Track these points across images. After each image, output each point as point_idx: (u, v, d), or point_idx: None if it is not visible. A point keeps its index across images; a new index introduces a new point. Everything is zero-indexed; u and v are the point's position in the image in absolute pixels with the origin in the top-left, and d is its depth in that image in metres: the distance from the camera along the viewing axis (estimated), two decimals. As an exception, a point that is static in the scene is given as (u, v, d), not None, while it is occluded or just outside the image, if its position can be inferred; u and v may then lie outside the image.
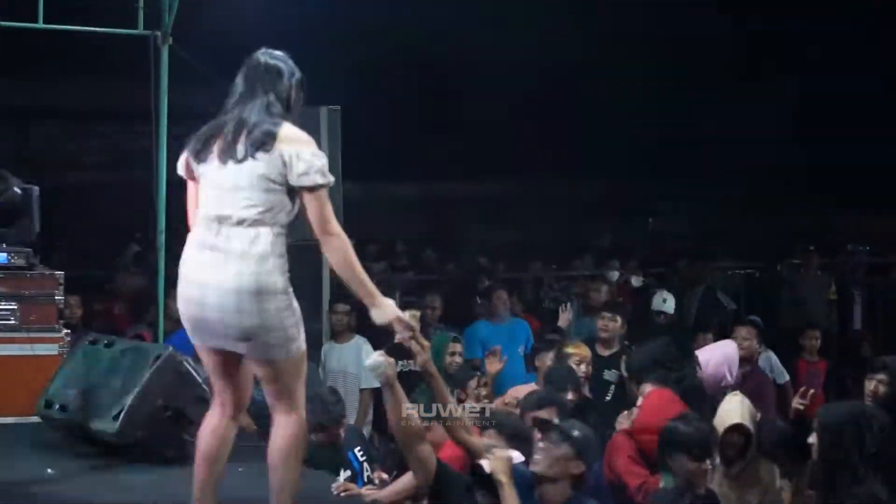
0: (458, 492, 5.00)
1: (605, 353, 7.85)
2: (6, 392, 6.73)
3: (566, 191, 18.62)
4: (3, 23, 8.03)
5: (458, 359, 7.62)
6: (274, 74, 4.36)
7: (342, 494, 5.41)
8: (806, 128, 17.39)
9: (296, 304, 4.30)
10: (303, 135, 4.28)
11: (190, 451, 5.94)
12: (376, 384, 8.19)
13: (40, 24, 8.06)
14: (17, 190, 7.24)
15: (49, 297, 7.02)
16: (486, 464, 4.85)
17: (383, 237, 14.52)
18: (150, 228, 8.45)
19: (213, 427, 4.52)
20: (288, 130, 4.25)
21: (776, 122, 17.48)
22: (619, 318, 8.09)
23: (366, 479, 5.99)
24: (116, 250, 13.19)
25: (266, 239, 4.22)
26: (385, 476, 5.79)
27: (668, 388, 6.09)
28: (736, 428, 5.89)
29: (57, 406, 6.20)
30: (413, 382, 8.08)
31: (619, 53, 16.70)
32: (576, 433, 4.99)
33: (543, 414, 5.61)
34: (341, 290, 9.36)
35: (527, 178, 18.28)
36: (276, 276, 4.23)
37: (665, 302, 9.89)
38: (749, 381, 7.34)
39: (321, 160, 4.24)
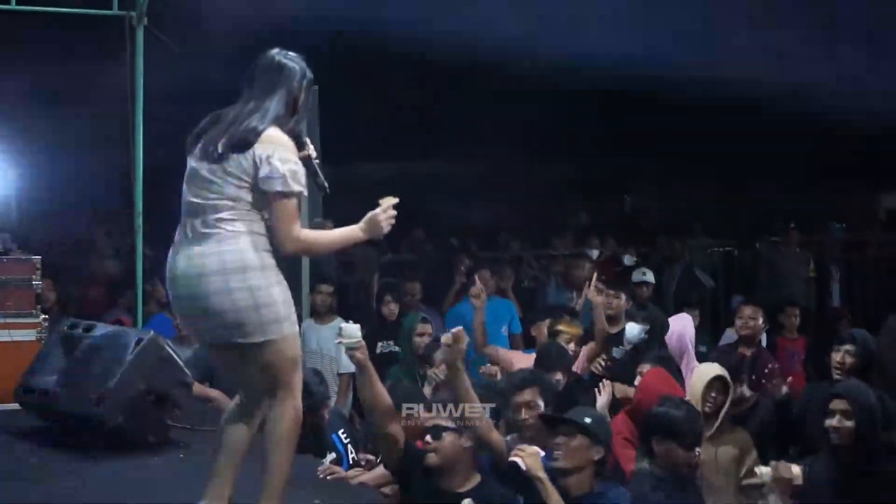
0: (420, 476, 5.02)
1: (612, 330, 7.79)
2: (-16, 379, 6.66)
3: (536, 170, 18.57)
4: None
5: (426, 339, 7.56)
6: (285, 74, 4.31)
7: (328, 478, 5.37)
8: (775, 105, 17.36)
9: (283, 281, 4.25)
10: (283, 139, 4.19)
11: (172, 437, 5.97)
12: (353, 368, 8.20)
13: (13, 6, 7.96)
14: None
15: (26, 282, 6.95)
16: (521, 462, 4.86)
17: (359, 219, 14.39)
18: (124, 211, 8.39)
19: (231, 416, 4.44)
20: (269, 132, 4.19)
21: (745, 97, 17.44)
22: (622, 296, 8.03)
23: (351, 462, 5.96)
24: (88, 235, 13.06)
25: (240, 222, 4.16)
26: (371, 458, 5.75)
27: (664, 367, 6.10)
28: (717, 379, 5.94)
29: (36, 392, 6.13)
30: (392, 364, 8.12)
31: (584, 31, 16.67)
32: (587, 420, 5.02)
33: (527, 395, 5.57)
34: (324, 271, 9.36)
35: (496, 158, 18.21)
36: (259, 252, 4.16)
37: (645, 274, 9.93)
38: (759, 361, 7.33)
39: (288, 167, 4.14)
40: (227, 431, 4.43)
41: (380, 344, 8.58)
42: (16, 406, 6.38)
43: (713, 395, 5.94)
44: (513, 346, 8.73)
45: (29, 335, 6.87)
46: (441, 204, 17.52)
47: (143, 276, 8.21)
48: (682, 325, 7.30)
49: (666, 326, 7.35)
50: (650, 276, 9.84)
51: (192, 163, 4.28)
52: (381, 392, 5.05)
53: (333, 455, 5.95)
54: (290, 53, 4.39)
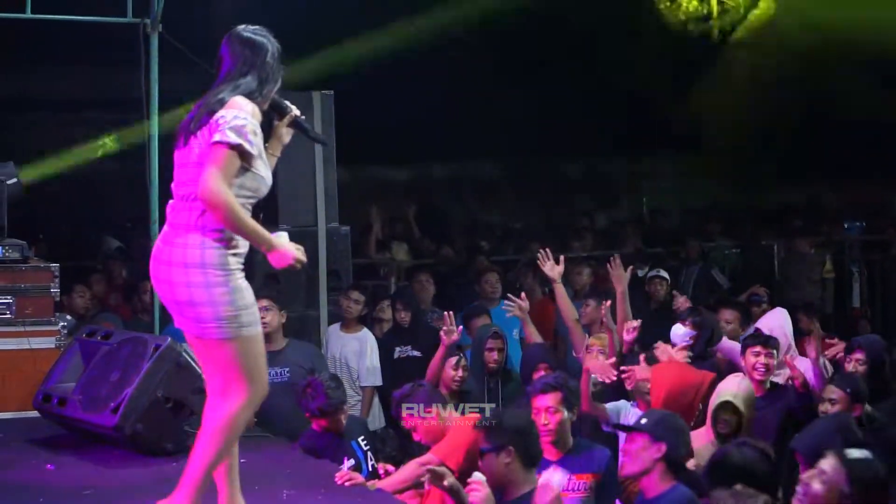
0: None
1: None
2: (3, 387, 6.70)
3: (549, 170, 18.53)
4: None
5: (496, 354, 7.35)
6: (256, 50, 4.36)
7: (346, 484, 5.34)
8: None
9: (238, 284, 4.25)
10: (242, 102, 4.24)
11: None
12: (378, 382, 8.15)
13: (28, 14, 7.98)
14: None
15: (45, 290, 6.96)
16: None
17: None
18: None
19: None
20: (233, 100, 4.24)
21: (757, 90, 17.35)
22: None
23: (370, 469, 5.92)
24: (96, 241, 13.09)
25: (205, 211, 4.19)
26: (392, 468, 5.70)
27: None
28: (725, 405, 5.86)
29: (55, 400, 6.15)
30: (410, 368, 8.07)
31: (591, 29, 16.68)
32: (644, 421, 5.01)
33: (549, 400, 5.55)
34: (358, 279, 9.29)
35: (511, 158, 18.17)
36: (208, 249, 4.19)
37: (659, 271, 9.96)
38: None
39: (235, 122, 4.17)
40: None
41: (397, 349, 8.55)
42: (35, 414, 6.40)
43: (725, 417, 5.88)
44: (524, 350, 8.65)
45: (48, 343, 6.89)
46: (455, 206, 17.52)
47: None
48: (779, 321, 7.31)
49: (717, 334, 7.27)
50: (664, 273, 9.85)
51: (175, 153, 4.35)
52: None
53: (352, 462, 5.93)
54: (255, 27, 4.43)
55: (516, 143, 17.23)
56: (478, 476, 4.64)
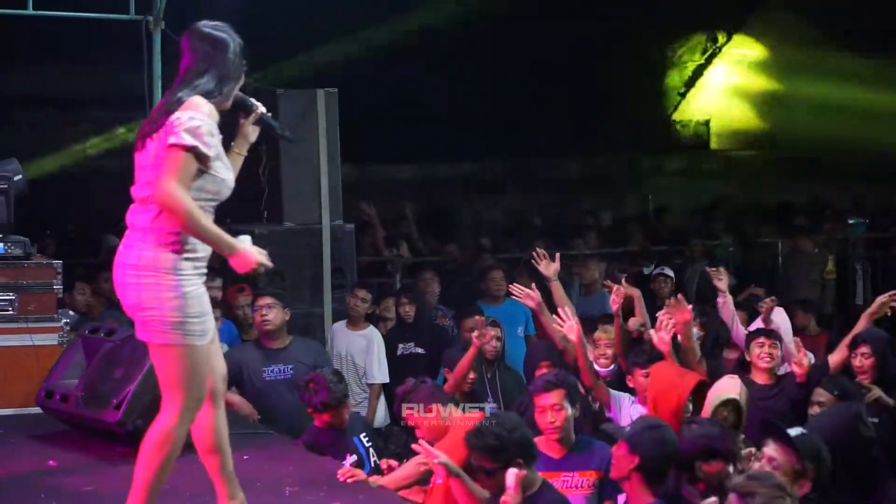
0: None
1: None
2: (6, 383, 6.70)
3: (553, 169, 18.55)
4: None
5: (494, 342, 7.47)
6: (216, 46, 4.23)
7: (349, 480, 5.33)
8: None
9: (191, 290, 4.15)
10: (198, 102, 4.13)
11: (191, 441, 5.95)
12: (384, 379, 8.15)
13: (30, 11, 7.99)
14: None
15: (47, 287, 6.97)
16: None
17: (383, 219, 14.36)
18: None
19: (196, 421, 4.39)
20: (189, 100, 4.14)
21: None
22: None
23: (372, 465, 5.91)
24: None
25: (159, 214, 4.11)
26: (395, 463, 5.69)
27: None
28: (727, 402, 5.84)
29: (58, 396, 6.16)
30: (413, 365, 8.07)
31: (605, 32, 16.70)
32: (628, 428, 5.03)
33: (553, 398, 5.53)
34: (364, 277, 9.26)
35: (516, 157, 18.19)
36: (161, 253, 4.12)
37: (663, 269, 9.94)
38: None
39: (190, 123, 4.06)
40: (192, 436, 4.43)
41: (400, 346, 8.54)
42: (37, 410, 6.40)
43: (724, 414, 5.86)
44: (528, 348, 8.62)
45: (50, 339, 6.90)
46: (460, 203, 17.54)
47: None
48: (775, 320, 7.29)
49: (724, 333, 7.22)
50: (668, 271, 9.82)
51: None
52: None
53: (355, 457, 5.93)
54: (217, 23, 4.31)
55: (521, 142, 17.25)
56: (514, 471, 4.67)
